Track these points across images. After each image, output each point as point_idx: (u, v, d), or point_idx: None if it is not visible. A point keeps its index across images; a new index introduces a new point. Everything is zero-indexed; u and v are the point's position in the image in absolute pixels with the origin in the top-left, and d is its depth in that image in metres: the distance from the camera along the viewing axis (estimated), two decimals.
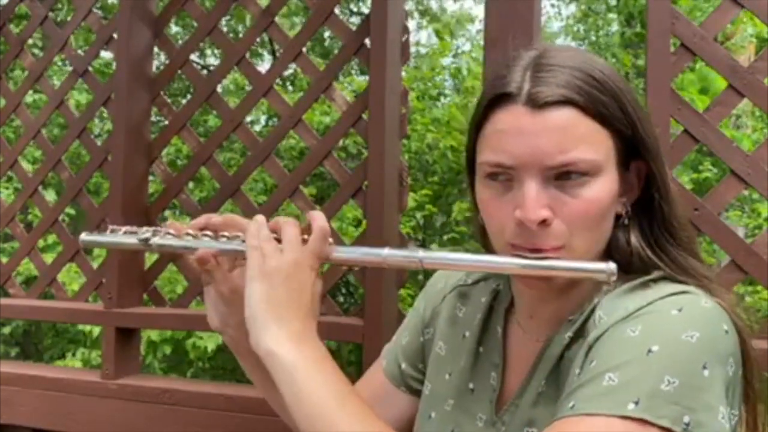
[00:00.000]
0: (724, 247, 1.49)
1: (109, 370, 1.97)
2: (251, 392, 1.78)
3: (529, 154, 0.74)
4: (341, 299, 6.46)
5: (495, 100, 0.77)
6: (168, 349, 5.19)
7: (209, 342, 5.00)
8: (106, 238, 0.94)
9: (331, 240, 0.85)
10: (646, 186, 0.81)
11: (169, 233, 0.90)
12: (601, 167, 0.76)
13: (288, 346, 0.76)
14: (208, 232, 0.89)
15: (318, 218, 0.84)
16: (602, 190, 0.76)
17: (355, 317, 1.79)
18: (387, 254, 0.83)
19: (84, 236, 0.97)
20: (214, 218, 0.90)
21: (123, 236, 0.92)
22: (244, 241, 0.84)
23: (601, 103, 0.75)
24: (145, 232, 0.90)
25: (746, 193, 4.90)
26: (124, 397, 1.93)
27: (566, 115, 0.74)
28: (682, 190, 1.52)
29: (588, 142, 0.75)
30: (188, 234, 0.89)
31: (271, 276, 0.79)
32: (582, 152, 0.74)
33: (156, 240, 0.90)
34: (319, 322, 2.00)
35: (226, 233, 0.88)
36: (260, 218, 0.85)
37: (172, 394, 1.87)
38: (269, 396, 0.97)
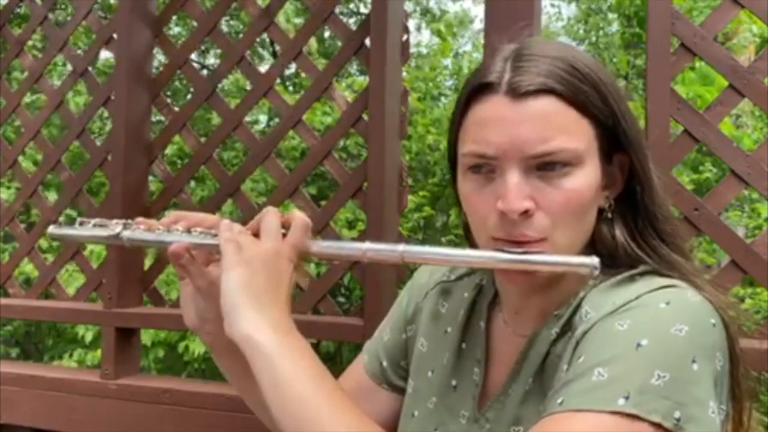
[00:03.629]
0: (724, 247, 1.50)
1: (108, 370, 1.97)
2: None
3: (510, 143, 0.74)
4: (341, 299, 6.45)
5: (476, 90, 0.77)
6: (161, 352, 5.18)
7: (200, 345, 4.98)
8: (75, 231, 0.92)
9: (311, 235, 0.84)
10: (629, 179, 0.81)
11: (140, 227, 0.89)
12: (583, 157, 0.75)
13: (268, 333, 0.74)
14: (179, 227, 0.87)
15: (298, 214, 0.84)
16: (584, 181, 0.75)
17: (355, 317, 1.79)
18: (367, 248, 0.81)
19: (52, 229, 0.94)
20: (184, 219, 0.89)
21: (92, 229, 0.90)
22: (216, 235, 0.83)
23: (582, 93, 0.75)
24: (116, 225, 0.89)
25: (746, 193, 4.89)
26: (123, 397, 1.93)
27: (547, 103, 0.74)
28: (682, 190, 1.52)
29: (569, 131, 0.74)
30: (160, 228, 0.87)
31: (250, 263, 0.78)
32: (563, 141, 0.74)
33: (127, 234, 0.88)
34: (319, 322, 2.00)
35: (198, 228, 0.86)
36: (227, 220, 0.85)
37: (171, 394, 1.87)
38: (245, 392, 0.96)
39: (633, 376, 0.66)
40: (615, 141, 0.79)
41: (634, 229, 0.80)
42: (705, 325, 0.71)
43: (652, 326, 0.69)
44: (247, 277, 0.77)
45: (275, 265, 0.79)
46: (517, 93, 0.74)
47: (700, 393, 0.66)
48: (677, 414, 0.65)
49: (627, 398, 0.64)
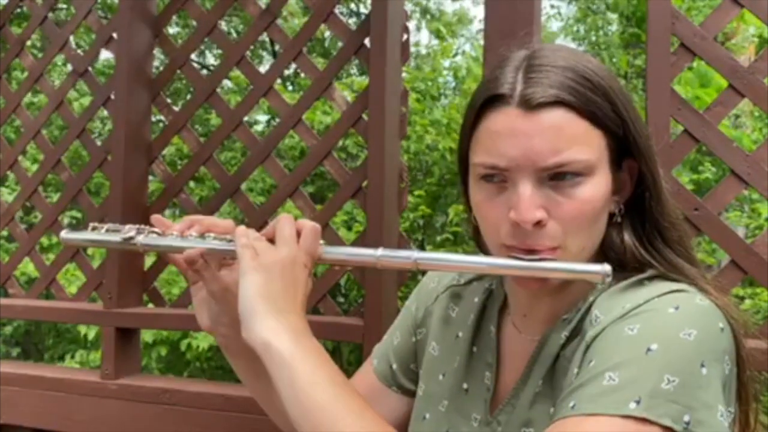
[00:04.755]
0: (724, 247, 1.49)
1: (108, 370, 1.97)
2: None
3: (522, 155, 0.74)
4: (340, 299, 6.46)
5: (488, 101, 0.78)
6: (163, 351, 5.18)
7: (203, 341, 4.99)
8: (88, 236, 0.92)
9: (322, 241, 0.85)
10: (638, 184, 0.82)
11: (154, 232, 0.88)
12: (594, 167, 0.76)
13: (286, 338, 0.75)
14: (194, 232, 0.87)
15: (309, 221, 0.85)
16: (596, 190, 0.76)
17: (355, 317, 1.79)
18: (381, 254, 0.82)
19: (65, 234, 0.94)
20: (197, 223, 0.89)
21: (105, 234, 0.90)
22: (231, 241, 0.84)
23: (593, 104, 0.76)
24: (129, 230, 0.89)
25: (746, 193, 4.90)
26: (123, 397, 1.93)
27: (559, 115, 0.75)
28: (682, 190, 1.52)
29: (581, 142, 0.75)
30: (174, 233, 0.88)
31: (268, 269, 0.79)
32: (575, 153, 0.75)
33: (140, 239, 0.88)
34: (319, 322, 1.99)
35: (212, 233, 0.87)
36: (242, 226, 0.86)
37: (171, 394, 1.87)
38: (259, 393, 0.97)
39: (643, 381, 0.67)
40: (625, 148, 0.80)
41: (642, 233, 0.81)
42: (713, 330, 0.71)
43: (662, 331, 0.70)
44: (265, 283, 0.78)
45: (291, 271, 0.80)
46: (529, 105, 0.74)
47: (708, 397, 0.67)
48: (686, 417, 0.66)
49: (638, 402, 0.65)
